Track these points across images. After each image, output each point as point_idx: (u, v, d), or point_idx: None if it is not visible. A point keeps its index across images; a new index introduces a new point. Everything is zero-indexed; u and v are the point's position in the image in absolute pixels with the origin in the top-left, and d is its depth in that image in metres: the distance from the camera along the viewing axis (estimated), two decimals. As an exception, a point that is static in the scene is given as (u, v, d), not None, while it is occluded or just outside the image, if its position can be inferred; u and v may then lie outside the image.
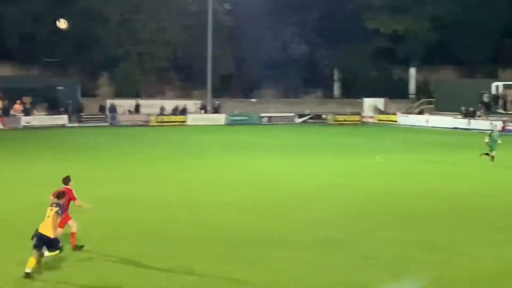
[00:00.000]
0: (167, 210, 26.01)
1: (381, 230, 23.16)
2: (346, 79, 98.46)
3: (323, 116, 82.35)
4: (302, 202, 28.26)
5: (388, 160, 44.17)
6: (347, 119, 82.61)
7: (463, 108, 76.36)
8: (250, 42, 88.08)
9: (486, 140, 41.91)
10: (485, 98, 77.89)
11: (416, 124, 77.78)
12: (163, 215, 25.11)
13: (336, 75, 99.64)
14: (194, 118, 76.48)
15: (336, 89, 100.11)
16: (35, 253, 17.20)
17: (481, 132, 69.77)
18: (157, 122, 74.18)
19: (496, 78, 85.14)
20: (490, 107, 77.37)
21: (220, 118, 77.56)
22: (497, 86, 78.52)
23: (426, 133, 69.49)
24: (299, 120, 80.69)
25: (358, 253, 20.07)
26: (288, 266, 18.67)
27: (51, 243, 17.44)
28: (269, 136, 62.35)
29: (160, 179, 34.26)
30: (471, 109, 76.28)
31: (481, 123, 73.53)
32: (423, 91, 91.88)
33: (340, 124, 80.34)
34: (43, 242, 17.30)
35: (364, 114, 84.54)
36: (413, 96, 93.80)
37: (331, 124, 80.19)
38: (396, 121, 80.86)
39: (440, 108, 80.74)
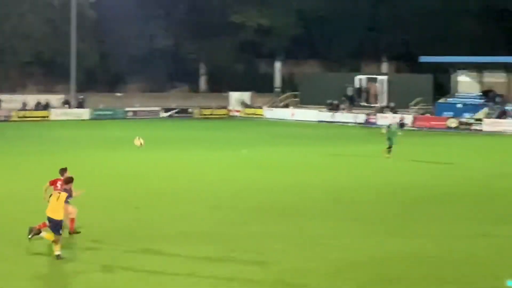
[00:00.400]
0: (26, 206, 25.07)
1: (247, 224, 23.10)
2: (213, 73, 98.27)
3: (190, 110, 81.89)
4: (168, 196, 27.92)
5: (254, 154, 44.24)
6: (213, 113, 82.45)
7: (329, 101, 77.43)
8: (115, 35, 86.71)
9: (383, 131, 42.60)
10: (349, 92, 79.16)
11: (282, 118, 78.34)
12: (20, 211, 24.26)
13: (202, 69, 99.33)
14: (58, 113, 74.65)
15: (203, 83, 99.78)
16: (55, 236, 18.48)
17: (344, 124, 71.24)
18: (18, 117, 72.08)
19: (359, 71, 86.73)
20: (353, 100, 78.70)
21: (84, 113, 75.94)
22: (360, 80, 79.96)
23: (292, 126, 70.16)
24: (165, 115, 79.95)
25: (224, 247, 19.91)
26: (151, 261, 18.36)
27: (56, 227, 18.51)
28: (135, 131, 61.12)
29: (22, 175, 33.20)
30: (335, 102, 77.45)
31: (345, 116, 74.89)
32: (289, 84, 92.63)
33: (207, 118, 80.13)
34: (54, 225, 18.54)
35: (231, 108, 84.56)
36: (279, 89, 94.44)
37: (197, 118, 79.83)
38: (262, 115, 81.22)
39: (305, 101, 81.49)
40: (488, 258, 19.27)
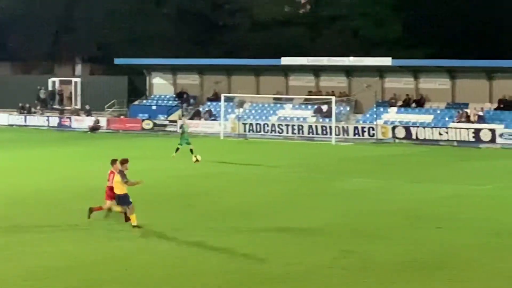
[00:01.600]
0: None
1: None
2: None
3: None
4: None
5: None
6: None
7: (21, 104, 75.23)
8: None
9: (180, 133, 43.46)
10: (42, 94, 77.56)
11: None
12: None
13: None
14: None
15: None
16: (121, 208, 22.73)
17: (37, 128, 69.34)
18: None
19: (53, 74, 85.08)
20: (47, 103, 77.11)
21: None
22: (53, 82, 78.65)
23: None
24: None
25: None
26: None
27: (122, 199, 22.39)
28: None
29: None
30: (28, 105, 75.34)
31: (38, 119, 73.02)
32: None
33: None
34: (120, 199, 22.44)
35: None
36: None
37: None
38: None
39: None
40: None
